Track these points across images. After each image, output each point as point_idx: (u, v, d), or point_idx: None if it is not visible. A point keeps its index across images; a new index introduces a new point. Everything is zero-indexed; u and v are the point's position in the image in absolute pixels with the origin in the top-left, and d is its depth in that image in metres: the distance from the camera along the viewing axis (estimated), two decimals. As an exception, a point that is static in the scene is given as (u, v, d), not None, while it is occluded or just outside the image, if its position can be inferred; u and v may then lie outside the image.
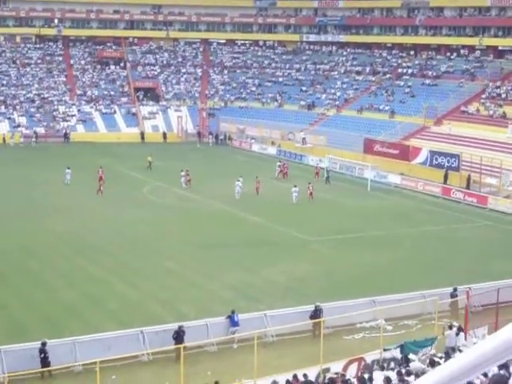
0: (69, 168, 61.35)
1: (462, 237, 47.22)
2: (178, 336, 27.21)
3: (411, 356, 24.47)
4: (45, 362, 25.68)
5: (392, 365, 24.64)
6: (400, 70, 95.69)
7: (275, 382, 23.02)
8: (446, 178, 63.97)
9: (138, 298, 33.70)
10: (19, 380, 24.10)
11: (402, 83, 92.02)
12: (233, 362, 27.01)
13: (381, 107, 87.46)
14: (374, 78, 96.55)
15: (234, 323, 29.18)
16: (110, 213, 51.31)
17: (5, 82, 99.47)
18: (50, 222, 48.23)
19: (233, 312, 29.43)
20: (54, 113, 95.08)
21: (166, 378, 25.22)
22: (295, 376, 22.73)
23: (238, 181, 57.65)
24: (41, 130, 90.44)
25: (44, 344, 25.85)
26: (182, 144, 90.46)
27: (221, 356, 27.83)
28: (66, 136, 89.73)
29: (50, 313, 31.46)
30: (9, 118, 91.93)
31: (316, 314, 29.63)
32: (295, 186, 56.49)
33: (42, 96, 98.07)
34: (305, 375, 22.98)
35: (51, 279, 36.12)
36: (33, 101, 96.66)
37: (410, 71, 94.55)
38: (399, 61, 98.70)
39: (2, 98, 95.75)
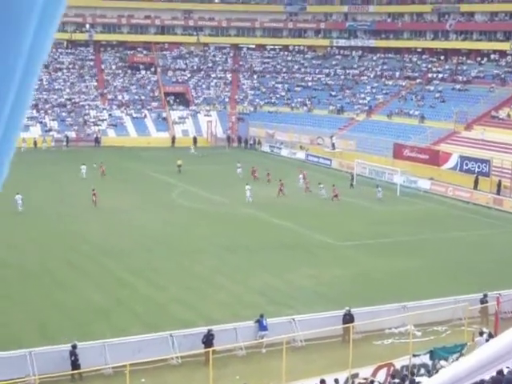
0: (84, 164, 66.43)
1: (492, 242, 46.87)
2: (208, 340, 27.32)
3: (441, 362, 24.38)
4: (75, 364, 25.89)
5: (422, 371, 24.57)
6: (430, 75, 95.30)
7: (304, 386, 23.07)
8: (476, 183, 63.58)
9: (165, 301, 33.85)
10: (50, 382, 24.34)
11: (432, 88, 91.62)
12: (261, 366, 27.07)
13: (411, 112, 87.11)
14: (404, 83, 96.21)
15: (262, 327, 29.22)
16: (138, 216, 51.58)
17: (36, 87, 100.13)
18: (78, 224, 48.60)
19: (261, 316, 29.48)
20: (85, 117, 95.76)
21: (195, 381, 25.35)
22: (323, 381, 22.73)
23: (248, 184, 58.62)
24: (72, 134, 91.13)
25: (74, 346, 26.06)
26: (212, 149, 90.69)
27: (249, 360, 27.90)
28: (96, 140, 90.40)
29: (80, 315, 31.68)
30: (40, 122, 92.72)
31: (346, 318, 29.63)
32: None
33: (74, 100, 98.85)
34: (336, 380, 22.98)
35: (79, 282, 36.35)
36: (64, 105, 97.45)
37: (440, 76, 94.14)
38: (429, 65, 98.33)
39: (33, 102, 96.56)
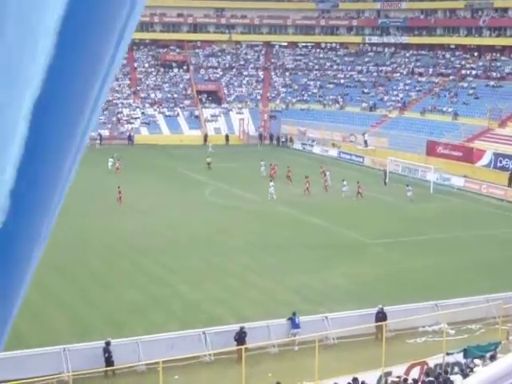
0: (111, 157, 68.75)
1: (527, 240, 46.43)
2: (240, 337, 27.36)
3: (475, 361, 24.22)
4: (109, 361, 26.09)
5: (455, 369, 24.43)
6: (464, 72, 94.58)
7: (336, 384, 23.04)
8: (510, 180, 62.99)
9: (199, 298, 33.94)
10: (83, 379, 24.51)
11: (465, 85, 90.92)
12: (294, 363, 27.07)
13: (444, 109, 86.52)
14: (437, 80, 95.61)
15: (295, 325, 29.22)
16: (172, 214, 51.79)
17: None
18: (113, 221, 48.91)
19: (294, 314, 29.48)
20: (119, 115, 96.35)
21: (228, 378, 25.40)
22: (355, 379, 22.71)
23: (271, 181, 59.40)
24: (105, 133, 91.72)
25: (108, 343, 26.26)
26: (244, 146, 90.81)
27: (282, 358, 27.91)
28: (130, 138, 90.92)
29: (113, 312, 31.90)
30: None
31: (379, 316, 29.53)
32: (343, 180, 60.01)
33: (107, 99, 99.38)
34: (362, 382, 22.90)
35: (114, 279, 36.61)
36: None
37: (473, 72, 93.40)
38: (463, 62, 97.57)
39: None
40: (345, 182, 59.20)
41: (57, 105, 1.55)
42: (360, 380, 22.95)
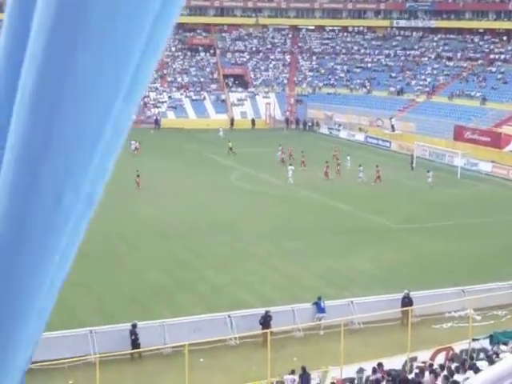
0: (134, 141, 67.52)
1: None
2: (265, 321, 27.43)
3: (501, 347, 24.10)
4: (135, 343, 26.26)
5: (481, 355, 24.33)
6: (492, 56, 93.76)
7: (362, 369, 23.05)
8: (538, 166, 62.57)
9: (225, 282, 34.05)
10: (110, 361, 24.66)
11: (494, 69, 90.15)
12: (319, 348, 27.08)
13: (472, 93, 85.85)
14: (465, 64, 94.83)
15: (320, 310, 29.24)
16: (197, 198, 51.88)
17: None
18: (137, 206, 49.03)
19: (319, 298, 29.50)
20: (145, 99, 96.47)
21: (253, 362, 25.44)
22: (380, 364, 22.70)
23: (291, 165, 59.08)
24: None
25: (134, 326, 26.42)
26: (270, 130, 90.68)
27: (307, 342, 27.94)
28: (156, 122, 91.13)
29: (139, 296, 32.05)
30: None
31: (405, 301, 29.47)
32: (360, 166, 59.21)
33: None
34: (388, 372, 22.84)
35: (139, 263, 36.75)
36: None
37: (502, 57, 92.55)
38: (491, 46, 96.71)
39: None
40: (361, 168, 58.74)
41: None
42: (385, 365, 22.93)
